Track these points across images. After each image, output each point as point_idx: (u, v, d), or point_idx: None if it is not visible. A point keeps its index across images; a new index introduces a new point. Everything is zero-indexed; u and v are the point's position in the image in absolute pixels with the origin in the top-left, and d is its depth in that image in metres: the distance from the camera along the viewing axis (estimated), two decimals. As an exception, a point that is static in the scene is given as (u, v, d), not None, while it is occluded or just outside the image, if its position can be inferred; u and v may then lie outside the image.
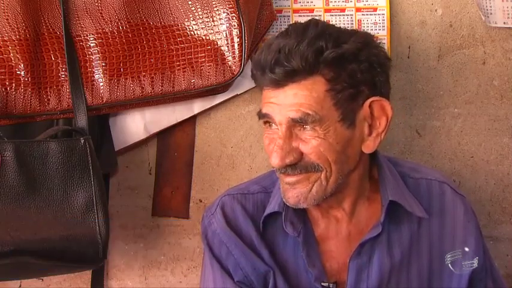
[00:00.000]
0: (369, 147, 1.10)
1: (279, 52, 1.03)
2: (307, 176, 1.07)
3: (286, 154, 1.05)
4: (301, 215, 1.15)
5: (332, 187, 1.08)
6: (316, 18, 1.13)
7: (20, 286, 1.50)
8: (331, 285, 1.11)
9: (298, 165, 1.06)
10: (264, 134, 1.11)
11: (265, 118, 1.09)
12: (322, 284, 1.11)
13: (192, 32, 1.33)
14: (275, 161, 1.05)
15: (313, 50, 1.02)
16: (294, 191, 1.08)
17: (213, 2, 1.32)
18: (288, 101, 1.04)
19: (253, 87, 1.44)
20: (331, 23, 1.43)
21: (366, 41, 1.08)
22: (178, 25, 1.33)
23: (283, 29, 1.11)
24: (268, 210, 1.16)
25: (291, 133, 1.06)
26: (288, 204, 1.10)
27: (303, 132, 1.06)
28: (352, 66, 1.05)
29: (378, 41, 1.12)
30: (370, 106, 1.08)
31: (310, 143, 1.05)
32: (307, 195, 1.08)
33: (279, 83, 1.05)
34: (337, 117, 1.05)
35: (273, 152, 1.06)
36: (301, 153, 1.06)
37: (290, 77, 1.03)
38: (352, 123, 1.07)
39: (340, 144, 1.06)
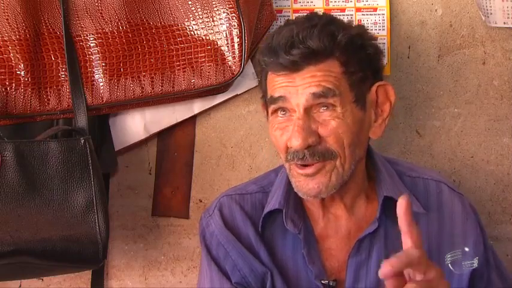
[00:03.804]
0: (375, 133, 1.12)
1: (292, 37, 1.04)
2: (323, 164, 1.07)
3: (307, 134, 1.05)
4: (301, 213, 1.15)
5: (347, 173, 1.09)
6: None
7: (20, 286, 1.50)
8: (331, 283, 1.11)
9: (316, 150, 1.06)
10: (273, 126, 1.10)
11: (278, 102, 1.08)
12: (322, 281, 1.11)
13: (192, 32, 1.33)
14: (296, 142, 1.04)
15: (328, 34, 1.05)
16: (314, 181, 1.08)
17: (213, 2, 1.32)
18: (306, 81, 1.05)
19: (253, 87, 1.44)
20: (331, 23, 1.44)
21: (364, 29, 1.15)
22: (178, 25, 1.33)
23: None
24: (268, 208, 1.15)
25: (309, 115, 1.06)
26: (307, 196, 1.09)
27: (321, 114, 1.06)
28: (360, 52, 1.09)
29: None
30: (376, 91, 1.11)
31: (329, 125, 1.06)
32: (328, 183, 1.08)
33: (296, 65, 1.05)
34: (352, 98, 1.07)
35: (294, 133, 1.05)
36: (320, 137, 1.06)
37: (308, 58, 1.04)
38: (363, 105, 1.10)
39: (355, 126, 1.08)
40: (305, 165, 1.07)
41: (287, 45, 1.04)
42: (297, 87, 1.05)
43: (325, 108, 1.06)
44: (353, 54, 1.08)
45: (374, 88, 1.11)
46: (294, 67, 1.05)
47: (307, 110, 1.06)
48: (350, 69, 1.07)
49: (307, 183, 1.08)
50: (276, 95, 1.07)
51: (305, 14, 1.16)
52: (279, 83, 1.07)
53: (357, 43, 1.09)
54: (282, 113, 1.09)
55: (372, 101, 1.11)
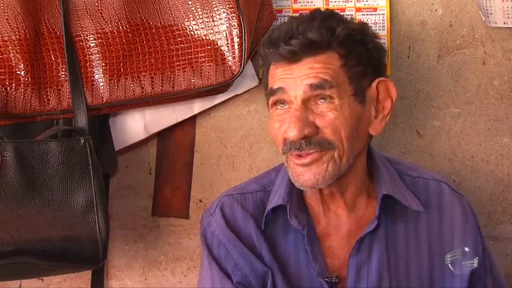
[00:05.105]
0: (375, 129, 1.12)
1: (291, 30, 1.07)
2: (320, 154, 1.07)
3: (304, 125, 1.05)
4: (303, 209, 1.16)
5: (345, 166, 1.09)
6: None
7: (20, 286, 1.50)
8: (333, 279, 1.11)
9: (312, 140, 1.06)
10: (273, 118, 1.11)
11: (277, 94, 1.09)
12: (325, 278, 1.11)
13: (192, 32, 1.33)
14: (292, 132, 1.05)
15: (326, 28, 1.07)
16: (310, 172, 1.08)
17: (213, 2, 1.32)
18: (304, 72, 1.06)
19: (253, 87, 1.44)
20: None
21: (366, 26, 1.15)
22: (178, 25, 1.33)
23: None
24: (272, 205, 1.15)
25: (306, 107, 1.07)
26: (304, 187, 1.10)
27: (319, 106, 1.07)
28: (359, 47, 1.10)
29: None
30: (376, 87, 1.11)
31: (327, 116, 1.06)
32: (324, 174, 1.08)
33: (295, 55, 1.06)
34: (350, 91, 1.08)
35: (290, 124, 1.06)
36: (317, 128, 1.07)
37: (307, 49, 1.06)
38: (362, 99, 1.10)
39: (353, 120, 1.08)
40: (301, 156, 1.08)
41: (287, 36, 1.06)
42: (295, 79, 1.07)
43: (323, 100, 1.07)
44: (352, 48, 1.09)
45: (374, 84, 1.12)
46: (292, 57, 1.07)
47: (305, 102, 1.07)
48: (349, 63, 1.08)
49: (303, 174, 1.08)
50: (275, 86, 1.09)
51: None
52: (278, 75, 1.09)
53: (356, 38, 1.09)
54: (281, 105, 1.10)
55: (372, 96, 1.11)
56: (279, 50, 1.07)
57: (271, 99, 1.11)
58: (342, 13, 1.43)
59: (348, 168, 1.10)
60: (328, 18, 1.10)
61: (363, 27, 1.14)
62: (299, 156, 1.08)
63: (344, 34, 1.07)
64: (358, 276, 1.12)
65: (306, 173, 1.08)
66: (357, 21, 1.43)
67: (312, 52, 1.06)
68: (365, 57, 1.10)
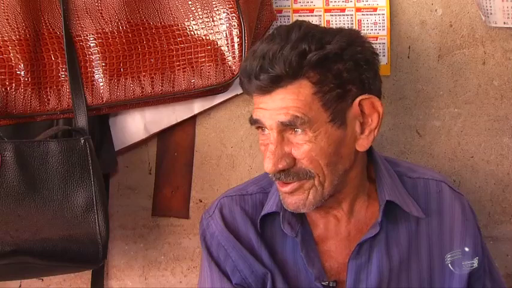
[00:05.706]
0: (362, 145, 1.09)
1: (263, 58, 1.03)
2: (300, 184, 1.07)
3: (278, 159, 1.05)
4: (299, 215, 1.15)
5: (329, 190, 1.08)
6: (301, 20, 1.11)
7: (20, 286, 1.50)
8: (331, 284, 1.11)
9: (290, 171, 1.06)
10: (259, 140, 1.12)
11: (256, 124, 1.09)
12: (323, 283, 1.11)
13: (192, 32, 1.33)
14: (268, 166, 1.06)
15: (296, 54, 1.02)
16: (293, 199, 1.09)
17: (213, 2, 1.32)
18: (276, 105, 1.04)
19: (253, 87, 1.44)
20: (331, 23, 1.44)
21: (350, 39, 1.07)
22: (178, 25, 1.33)
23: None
24: (265, 211, 1.16)
25: (282, 138, 1.06)
26: (288, 209, 1.11)
27: (294, 136, 1.06)
28: (337, 67, 1.04)
29: (365, 38, 1.10)
30: (360, 104, 1.07)
31: (302, 148, 1.05)
32: (305, 201, 1.08)
33: (265, 89, 1.05)
34: (326, 118, 1.05)
35: (266, 158, 1.06)
36: (294, 159, 1.06)
37: (275, 82, 1.03)
38: (343, 123, 1.06)
39: (332, 146, 1.06)
40: (284, 183, 1.08)
41: (257, 68, 1.03)
42: (269, 111, 1.05)
43: (298, 130, 1.05)
44: (327, 71, 1.03)
45: (356, 102, 1.06)
46: (263, 91, 1.05)
47: (281, 132, 1.06)
48: (324, 88, 1.04)
49: (287, 198, 1.10)
50: (254, 117, 1.09)
51: (305, 20, 1.13)
52: (256, 104, 1.08)
53: (331, 59, 1.03)
54: (262, 130, 1.10)
55: (355, 114, 1.07)
56: (251, 83, 1.05)
57: (253, 125, 1.11)
58: (341, 13, 1.44)
59: (339, 186, 1.10)
60: (302, 40, 1.03)
61: (345, 44, 1.04)
62: (282, 182, 1.08)
63: (316, 60, 1.02)
64: (357, 278, 1.12)
65: (289, 199, 1.09)
66: (356, 21, 1.44)
67: (282, 83, 1.03)
68: (344, 78, 1.04)
